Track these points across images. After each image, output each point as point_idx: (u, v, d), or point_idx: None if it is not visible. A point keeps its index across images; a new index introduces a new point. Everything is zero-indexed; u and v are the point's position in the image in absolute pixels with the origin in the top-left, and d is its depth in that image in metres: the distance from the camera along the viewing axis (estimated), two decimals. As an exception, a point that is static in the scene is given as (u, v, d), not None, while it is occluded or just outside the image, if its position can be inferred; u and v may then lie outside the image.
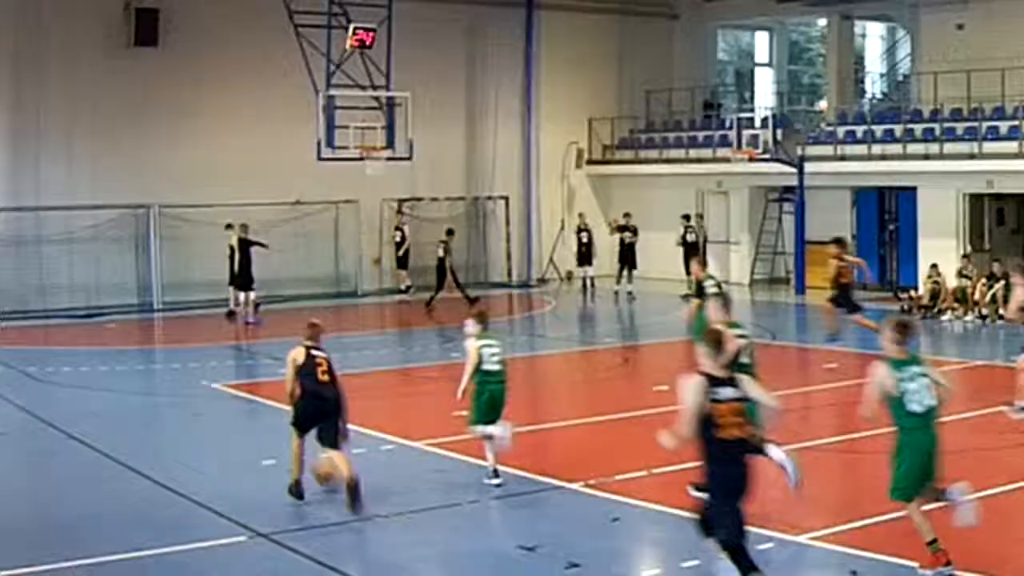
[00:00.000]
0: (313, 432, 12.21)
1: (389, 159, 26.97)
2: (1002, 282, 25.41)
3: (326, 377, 12.28)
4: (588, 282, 32.17)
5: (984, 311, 25.29)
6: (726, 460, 8.69)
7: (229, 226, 27.25)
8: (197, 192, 28.90)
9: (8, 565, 10.12)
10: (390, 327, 25.74)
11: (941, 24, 31.20)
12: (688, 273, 31.07)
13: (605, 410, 16.98)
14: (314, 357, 12.36)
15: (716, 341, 8.79)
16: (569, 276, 34.71)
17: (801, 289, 30.83)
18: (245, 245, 27.21)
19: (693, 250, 31.47)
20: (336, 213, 31.14)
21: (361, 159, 26.52)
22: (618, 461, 13.60)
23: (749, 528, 8.88)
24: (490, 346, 12.93)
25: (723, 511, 8.78)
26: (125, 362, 21.90)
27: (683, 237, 31.49)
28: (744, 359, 11.44)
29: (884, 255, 31.40)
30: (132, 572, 10.23)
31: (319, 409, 12.25)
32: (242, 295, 26.34)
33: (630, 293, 30.43)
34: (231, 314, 26.71)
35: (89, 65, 28.48)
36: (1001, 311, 25.20)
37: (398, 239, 30.81)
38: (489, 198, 34.58)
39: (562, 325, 27.61)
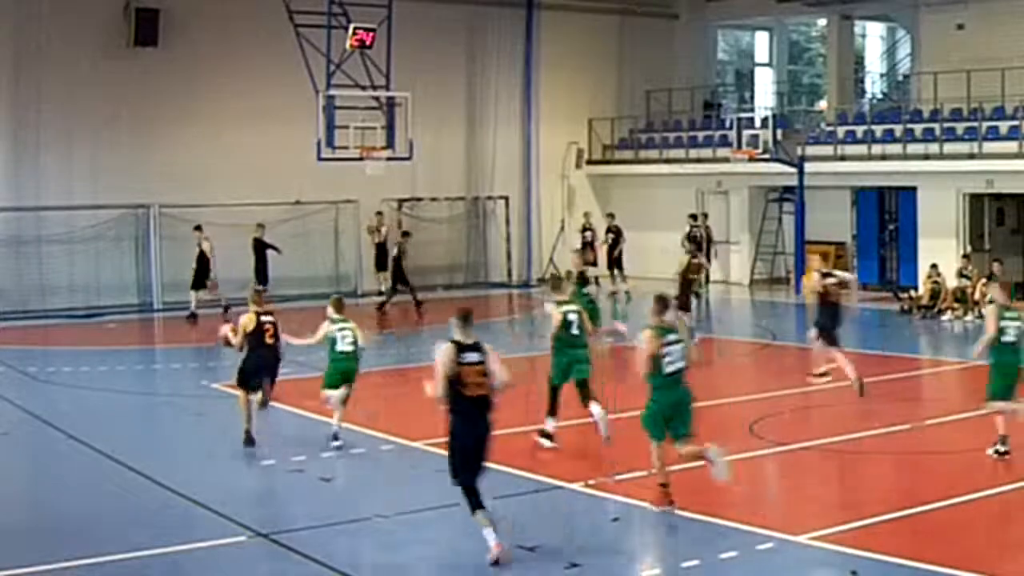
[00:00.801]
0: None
1: (389, 159, 26.96)
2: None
3: (271, 340, 14.70)
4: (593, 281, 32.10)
5: (984, 311, 25.25)
6: (468, 414, 10.27)
7: (198, 228, 27.30)
8: (197, 192, 28.89)
9: (8, 565, 10.12)
10: (389, 327, 25.71)
11: (941, 24, 31.22)
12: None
13: (605, 410, 16.95)
14: (263, 323, 14.68)
15: (465, 317, 10.48)
16: (569, 276, 34.59)
17: (801, 289, 30.80)
18: (261, 246, 27.32)
19: (699, 249, 31.42)
20: (336, 213, 31.13)
21: (361, 159, 26.50)
22: (618, 461, 13.60)
23: (484, 471, 10.42)
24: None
25: (460, 457, 10.34)
26: (125, 362, 21.90)
27: (688, 236, 31.41)
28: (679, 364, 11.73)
29: (884, 255, 31.41)
30: (132, 572, 10.23)
31: (261, 366, 14.75)
32: None
33: (627, 292, 30.45)
34: (193, 316, 26.75)
35: (89, 65, 28.47)
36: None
37: (378, 240, 30.33)
38: (489, 198, 34.58)
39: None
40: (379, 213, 30.61)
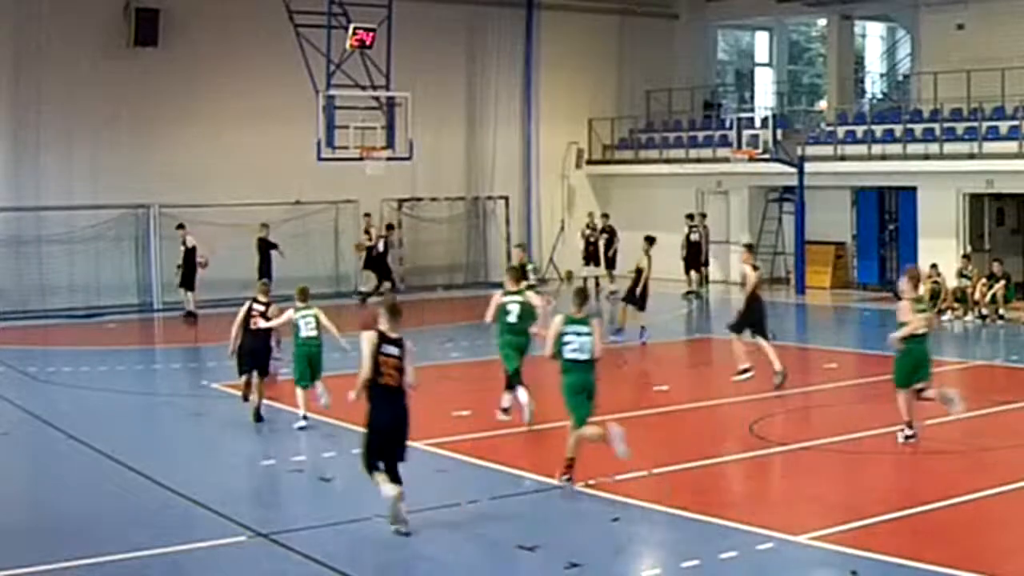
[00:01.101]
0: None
1: (389, 159, 26.95)
2: (1002, 282, 25.44)
3: (255, 325, 15.96)
4: (594, 282, 32.10)
5: (984, 311, 25.28)
6: (381, 401, 11.11)
7: (180, 226, 27.28)
8: (197, 192, 28.90)
9: (8, 565, 10.12)
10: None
11: (941, 24, 31.22)
12: (688, 272, 31.10)
13: (605, 410, 16.95)
14: (251, 309, 16.03)
15: (393, 311, 11.26)
16: (569, 276, 34.69)
17: (801, 289, 30.82)
18: (265, 246, 27.32)
19: (697, 249, 31.50)
20: (336, 213, 31.12)
21: (361, 159, 26.50)
22: (618, 461, 13.59)
23: (403, 453, 11.31)
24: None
25: (375, 440, 11.16)
26: (125, 362, 21.89)
27: (687, 236, 31.47)
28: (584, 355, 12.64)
29: (884, 255, 31.41)
30: (132, 572, 10.22)
31: (251, 350, 16.06)
32: None
33: (613, 292, 30.52)
34: (190, 315, 26.78)
35: (89, 65, 28.48)
36: (1001, 311, 25.23)
37: (368, 243, 30.07)
38: (489, 198, 34.58)
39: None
40: (367, 215, 30.40)
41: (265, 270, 27.28)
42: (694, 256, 31.51)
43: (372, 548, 10.92)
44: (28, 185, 28.20)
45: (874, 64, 41.28)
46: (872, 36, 41.34)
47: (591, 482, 12.56)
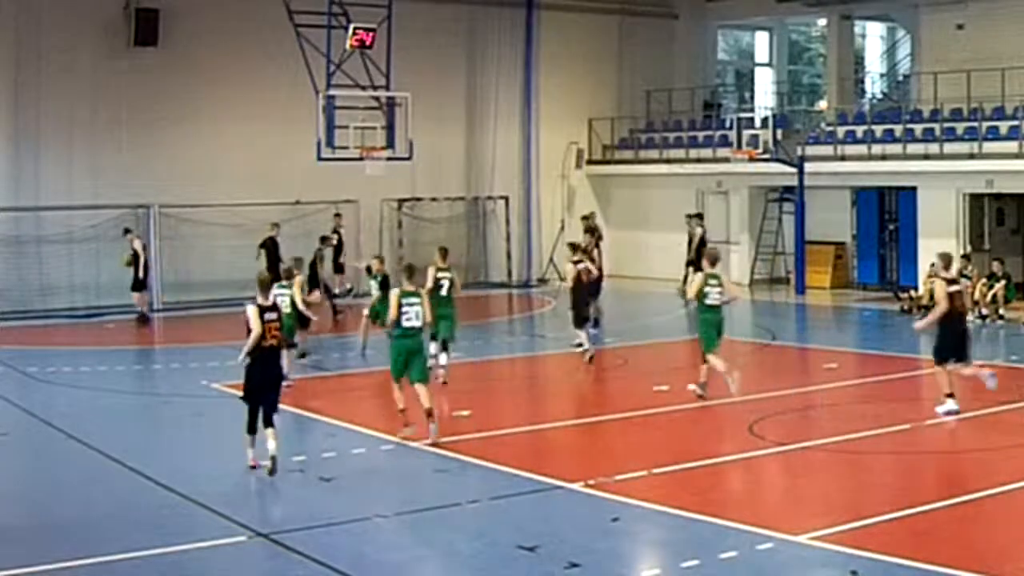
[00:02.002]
0: None
1: (389, 159, 26.94)
2: (1002, 282, 25.44)
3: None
4: None
5: (984, 311, 25.28)
6: (263, 359, 13.23)
7: (127, 231, 27.00)
8: (197, 192, 28.91)
9: (8, 565, 10.12)
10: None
11: (941, 24, 31.23)
12: (697, 270, 30.83)
13: (605, 410, 16.98)
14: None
15: (263, 284, 13.65)
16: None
17: (801, 289, 30.83)
18: (275, 246, 27.29)
19: (698, 253, 31.30)
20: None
21: (361, 159, 26.49)
22: (618, 461, 13.60)
23: (274, 403, 13.38)
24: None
25: (255, 388, 13.28)
26: (125, 362, 21.89)
27: (701, 237, 31.30)
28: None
29: (884, 255, 31.42)
30: (132, 572, 10.22)
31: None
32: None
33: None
34: (143, 318, 26.57)
35: (89, 65, 28.49)
36: (1001, 311, 25.23)
37: (334, 243, 28.96)
38: (489, 198, 34.58)
39: (562, 325, 27.56)
40: (337, 215, 29.52)
41: (273, 271, 26.99)
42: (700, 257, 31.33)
43: (372, 548, 10.92)
44: (28, 185, 28.19)
45: (874, 64, 41.29)
46: (872, 36, 41.35)
47: (591, 482, 12.56)
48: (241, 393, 13.61)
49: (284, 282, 18.24)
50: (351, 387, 19.33)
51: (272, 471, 13.04)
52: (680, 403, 17.14)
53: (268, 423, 13.29)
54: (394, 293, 15.09)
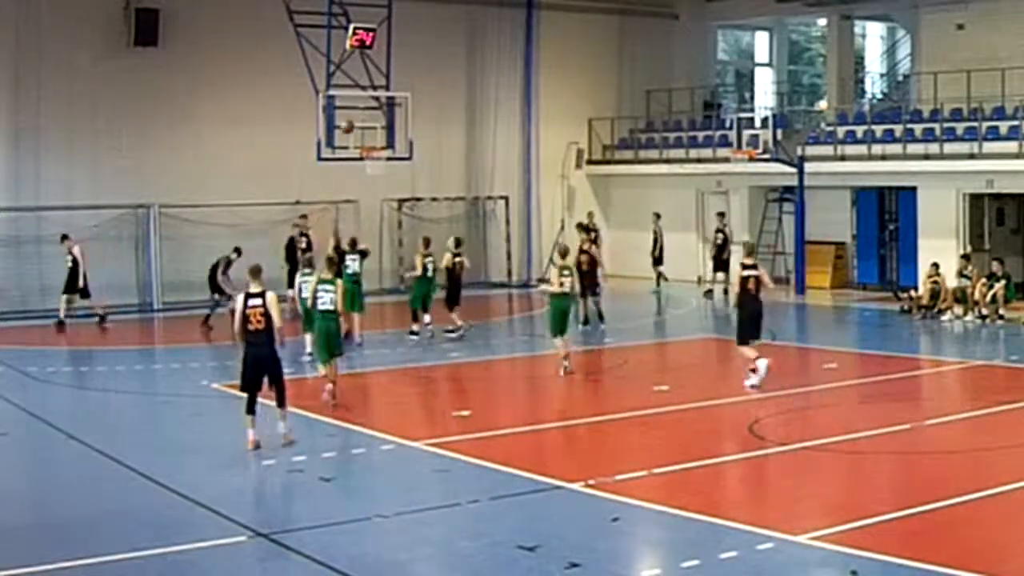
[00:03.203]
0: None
1: (389, 159, 26.93)
2: (1002, 282, 25.43)
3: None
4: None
5: (984, 311, 25.28)
6: (251, 343, 14.21)
7: (65, 237, 26.23)
8: (197, 192, 28.90)
9: (8, 565, 10.12)
10: (389, 327, 25.70)
11: (941, 24, 31.22)
12: (715, 272, 30.94)
13: (605, 410, 16.99)
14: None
15: (253, 272, 14.54)
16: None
17: (801, 289, 30.82)
18: (294, 245, 27.28)
19: (722, 249, 31.33)
20: (336, 213, 31.09)
21: (361, 159, 26.48)
22: (618, 461, 13.60)
23: (271, 382, 14.42)
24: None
25: (249, 372, 14.31)
26: (125, 362, 21.89)
27: (724, 236, 31.34)
28: None
29: (884, 255, 31.42)
30: (132, 572, 10.22)
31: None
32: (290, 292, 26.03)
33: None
34: (61, 324, 25.75)
35: (89, 65, 28.47)
36: (1001, 311, 25.23)
37: (303, 245, 28.12)
38: (489, 198, 34.57)
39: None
40: (303, 216, 28.89)
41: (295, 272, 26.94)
42: (724, 256, 31.40)
43: (372, 548, 10.93)
44: (28, 185, 28.17)
45: (874, 64, 41.29)
46: (872, 36, 41.35)
47: (591, 482, 12.56)
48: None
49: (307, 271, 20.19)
50: (350, 387, 19.31)
51: (288, 443, 14.32)
52: (680, 403, 17.15)
53: (278, 403, 14.50)
54: (313, 279, 17.81)
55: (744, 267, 18.04)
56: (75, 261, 26.00)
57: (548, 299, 20.10)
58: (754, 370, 17.60)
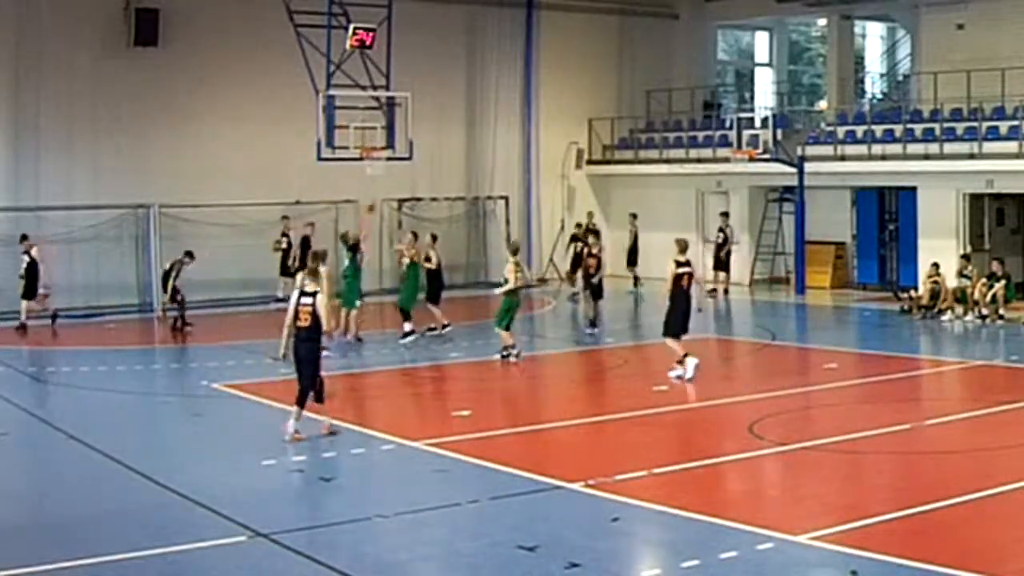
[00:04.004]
0: None
1: (389, 159, 26.94)
2: (1002, 282, 25.43)
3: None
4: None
5: (984, 311, 25.28)
6: (300, 339, 14.74)
7: (24, 237, 25.76)
8: (197, 192, 28.90)
9: (8, 565, 10.12)
10: (390, 327, 25.68)
11: (941, 24, 31.22)
12: (716, 272, 31.10)
13: (605, 410, 16.99)
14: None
15: (312, 271, 15.36)
16: (570, 277, 34.61)
17: (801, 289, 30.83)
18: (307, 245, 27.37)
19: (721, 248, 31.41)
20: (336, 213, 31.10)
21: (361, 159, 26.49)
22: (618, 461, 13.60)
23: (315, 374, 14.81)
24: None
25: (299, 368, 14.83)
26: (125, 362, 21.88)
27: (725, 236, 31.44)
28: None
29: (884, 255, 31.42)
30: (132, 572, 10.22)
31: None
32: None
33: (575, 295, 30.82)
34: (22, 327, 25.20)
35: (89, 65, 28.46)
36: (1001, 311, 25.23)
37: (284, 246, 28.90)
38: (489, 198, 34.57)
39: (562, 325, 27.61)
40: (285, 217, 29.23)
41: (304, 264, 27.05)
42: (722, 255, 31.48)
43: (372, 548, 10.93)
44: (28, 185, 28.17)
45: (874, 64, 41.29)
46: (872, 36, 41.34)
47: (591, 482, 12.56)
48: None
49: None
50: (350, 387, 19.32)
51: (330, 433, 14.93)
52: (680, 403, 17.16)
53: (316, 398, 14.88)
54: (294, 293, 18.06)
55: (678, 264, 18.73)
56: (33, 262, 25.49)
57: (503, 296, 20.91)
58: (680, 363, 18.55)
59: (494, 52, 34.48)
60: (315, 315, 14.64)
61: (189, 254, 25.82)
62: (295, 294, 15.01)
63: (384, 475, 13.73)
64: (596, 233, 28.62)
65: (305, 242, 28.25)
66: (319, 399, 14.97)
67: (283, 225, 29.43)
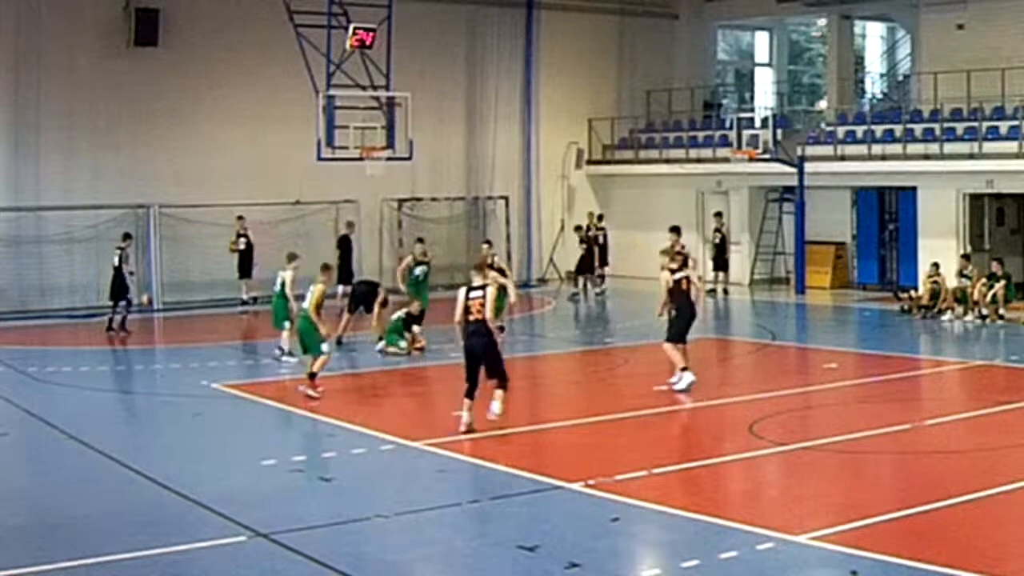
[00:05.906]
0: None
1: (389, 159, 26.95)
2: (1002, 282, 25.43)
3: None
4: (600, 282, 32.05)
5: (984, 311, 25.27)
6: (471, 333, 15.07)
7: None
8: (197, 192, 28.92)
9: (8, 565, 10.11)
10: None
11: (941, 24, 31.23)
12: (716, 271, 31.17)
13: (605, 410, 16.98)
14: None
15: (478, 268, 15.87)
16: (570, 276, 34.68)
17: (801, 289, 30.83)
18: (347, 244, 27.36)
19: (722, 248, 31.41)
20: (336, 213, 31.12)
21: (361, 159, 26.50)
22: (618, 461, 13.60)
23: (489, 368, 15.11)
24: None
25: (466, 360, 15.23)
26: (125, 362, 21.88)
27: (721, 235, 31.46)
28: None
29: (884, 255, 31.42)
30: (132, 572, 10.22)
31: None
32: (340, 288, 26.03)
33: (575, 294, 30.78)
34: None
35: (89, 65, 28.49)
36: (1001, 311, 25.22)
37: (241, 247, 28.49)
38: (489, 198, 34.58)
39: (562, 325, 27.62)
40: (240, 217, 28.77)
41: (344, 268, 27.15)
42: (721, 255, 31.50)
43: (372, 548, 10.92)
44: (28, 185, 28.19)
45: (874, 64, 41.28)
46: (872, 36, 41.33)
47: (591, 482, 12.56)
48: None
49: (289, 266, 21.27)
50: (350, 387, 19.33)
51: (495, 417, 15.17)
52: (680, 403, 17.15)
53: (497, 385, 15.21)
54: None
55: (672, 271, 18.30)
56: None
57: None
58: (686, 368, 17.83)
59: (494, 52, 34.49)
60: (485, 308, 14.97)
61: (127, 236, 25.60)
62: (463, 291, 15.22)
63: (384, 475, 13.72)
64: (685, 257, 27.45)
65: (343, 241, 28.35)
66: (501, 386, 15.18)
67: (238, 225, 28.69)
